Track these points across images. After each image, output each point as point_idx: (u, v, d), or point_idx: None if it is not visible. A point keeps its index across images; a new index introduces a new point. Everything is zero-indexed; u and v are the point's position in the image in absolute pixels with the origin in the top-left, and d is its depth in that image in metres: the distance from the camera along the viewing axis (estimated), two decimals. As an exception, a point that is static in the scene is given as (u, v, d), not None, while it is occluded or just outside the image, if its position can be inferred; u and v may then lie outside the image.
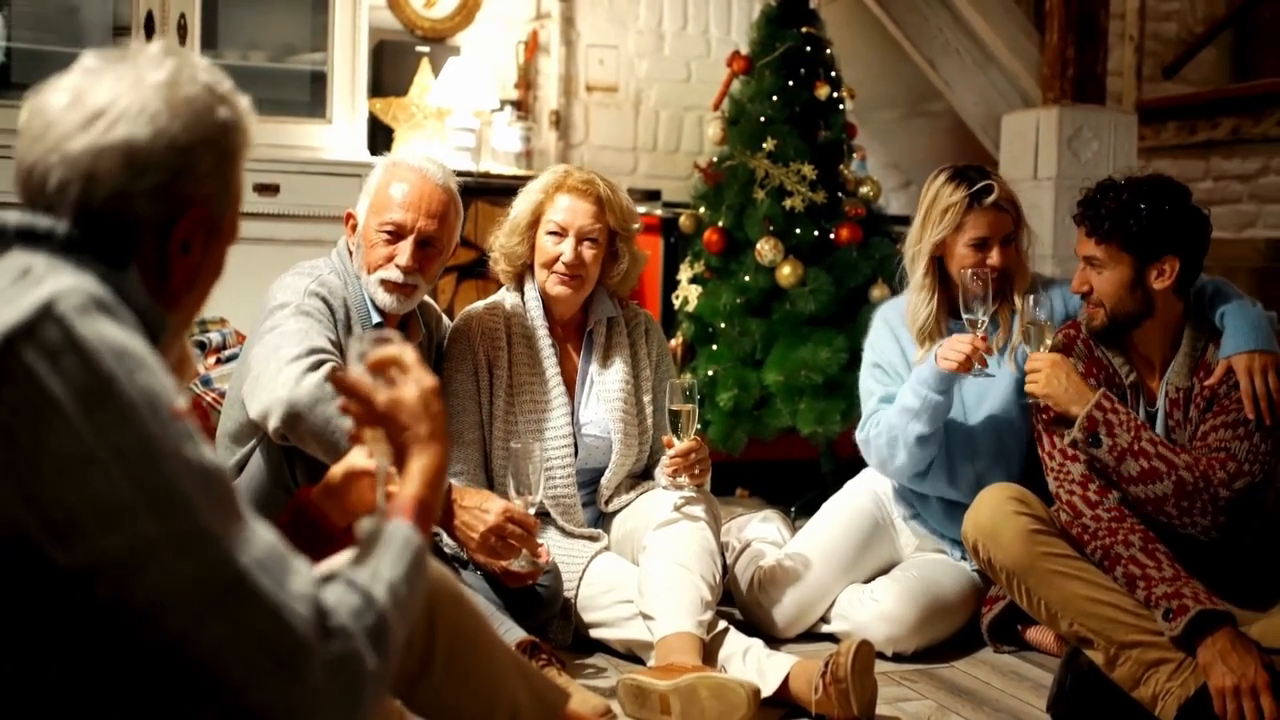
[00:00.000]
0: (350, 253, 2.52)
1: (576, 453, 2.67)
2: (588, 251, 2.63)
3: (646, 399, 2.75)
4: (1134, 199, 2.36)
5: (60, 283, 0.99)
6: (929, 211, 2.74)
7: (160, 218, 1.10)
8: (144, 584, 0.95)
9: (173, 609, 0.95)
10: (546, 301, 2.70)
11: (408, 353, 1.25)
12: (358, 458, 1.63)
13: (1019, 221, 2.76)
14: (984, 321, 2.56)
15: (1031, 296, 2.46)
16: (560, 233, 2.63)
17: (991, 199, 2.69)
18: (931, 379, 2.62)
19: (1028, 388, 2.44)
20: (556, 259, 2.62)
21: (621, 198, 2.70)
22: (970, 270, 2.59)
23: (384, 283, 2.44)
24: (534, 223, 2.66)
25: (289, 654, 0.97)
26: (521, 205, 2.68)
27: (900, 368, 2.81)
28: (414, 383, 1.23)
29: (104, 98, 1.08)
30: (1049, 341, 2.46)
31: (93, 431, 0.94)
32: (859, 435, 2.85)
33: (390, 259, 2.43)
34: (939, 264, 2.76)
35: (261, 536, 1.01)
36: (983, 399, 2.77)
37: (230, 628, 0.96)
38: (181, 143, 1.09)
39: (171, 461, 0.97)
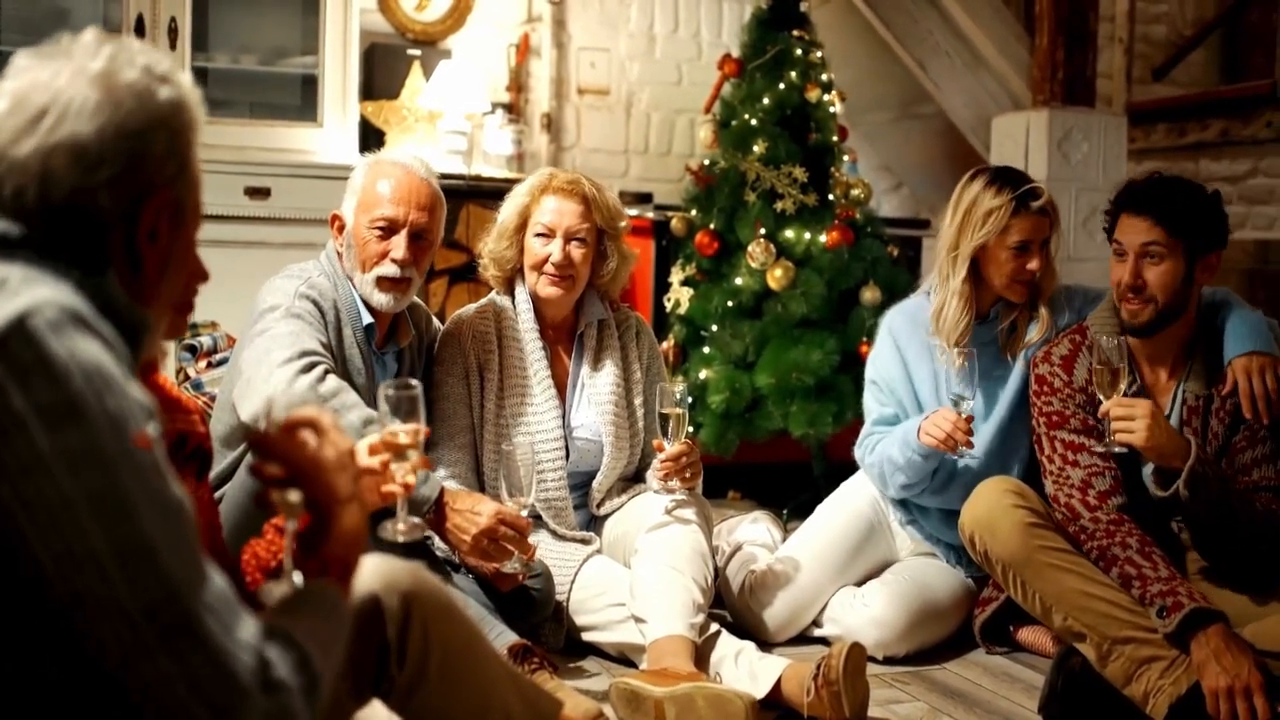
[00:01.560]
0: (339, 255, 2.52)
1: (568, 455, 2.66)
2: (576, 251, 2.63)
3: (638, 401, 2.75)
4: (1194, 191, 2.38)
5: (36, 296, 0.98)
6: (969, 215, 2.68)
7: (124, 208, 1.09)
8: (89, 603, 0.93)
9: (117, 637, 0.94)
10: (537, 304, 2.70)
11: (325, 416, 1.24)
12: (363, 457, 1.63)
13: (1055, 225, 2.72)
14: (970, 403, 2.53)
15: (1104, 337, 2.35)
16: (548, 234, 2.63)
17: (1038, 204, 2.66)
18: (915, 444, 2.62)
19: (1122, 437, 2.28)
20: (545, 260, 2.62)
21: (608, 196, 2.70)
22: (958, 348, 2.57)
23: (380, 280, 2.44)
24: (521, 226, 2.67)
25: (226, 703, 0.96)
26: (508, 210, 2.69)
27: (898, 384, 2.80)
28: (331, 445, 1.22)
29: (43, 97, 1.06)
30: (1123, 386, 2.32)
31: (51, 446, 0.93)
32: (857, 452, 2.87)
33: (385, 255, 2.44)
34: (973, 266, 2.71)
35: (214, 579, 1.00)
36: (991, 407, 2.74)
37: (173, 667, 0.94)
38: (130, 129, 1.08)
39: (127, 482, 0.96)
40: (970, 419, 2.53)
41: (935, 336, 2.73)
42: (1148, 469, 2.46)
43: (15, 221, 1.05)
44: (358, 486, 1.23)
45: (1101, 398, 2.33)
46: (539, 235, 2.64)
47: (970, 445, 2.54)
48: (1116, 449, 2.32)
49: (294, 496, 1.21)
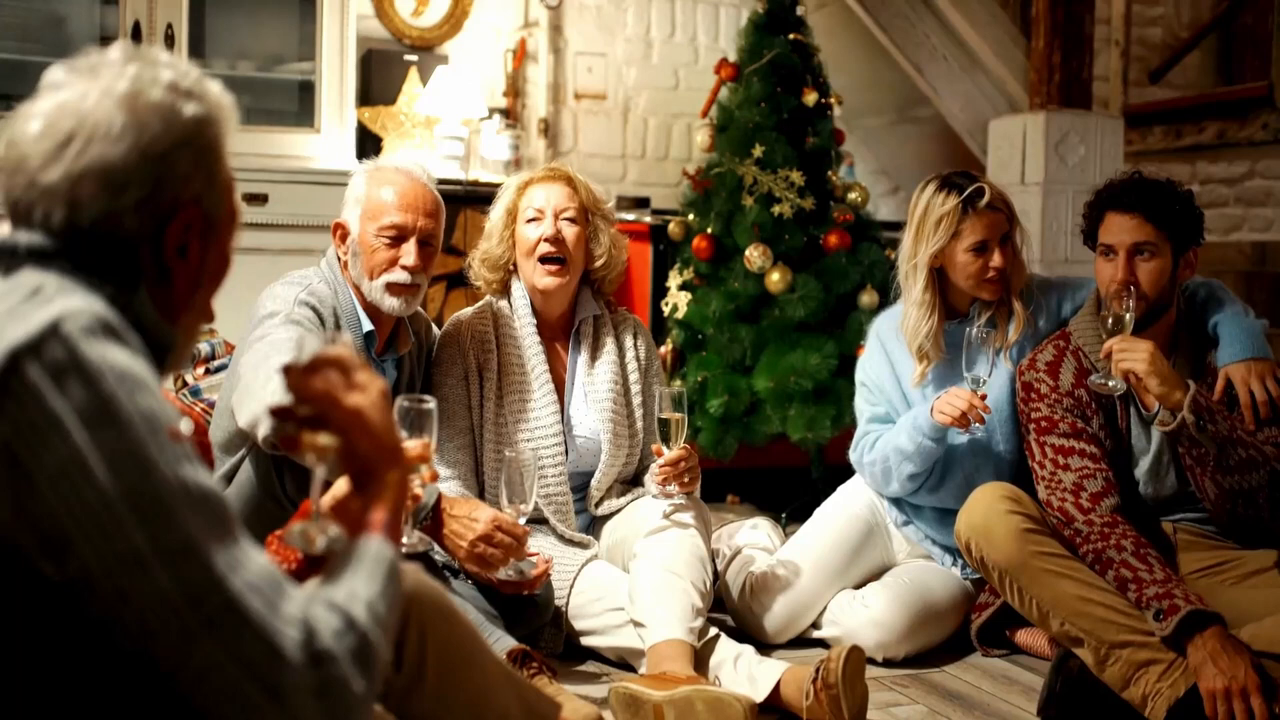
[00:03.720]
0: (342, 262, 2.53)
1: (567, 453, 2.67)
2: (568, 229, 2.65)
3: (636, 401, 2.75)
4: (1175, 188, 2.42)
5: (69, 303, 1.00)
6: (921, 224, 2.70)
7: (151, 228, 1.10)
8: (134, 599, 0.95)
9: (164, 628, 0.95)
10: (535, 300, 2.71)
11: (352, 355, 1.19)
12: None
13: (1013, 220, 2.74)
14: (985, 380, 2.54)
15: (1115, 303, 2.37)
16: (538, 217, 2.66)
17: (985, 201, 2.68)
18: (927, 427, 2.63)
19: (1123, 366, 2.31)
20: (539, 241, 2.63)
21: (588, 181, 2.74)
22: (975, 329, 2.56)
23: (390, 286, 2.46)
24: (510, 222, 2.70)
25: (277, 682, 0.97)
26: (496, 210, 2.73)
27: (887, 384, 2.82)
28: (370, 387, 1.17)
29: (71, 122, 1.07)
30: (1129, 329, 2.36)
31: (89, 447, 0.95)
32: (852, 455, 2.87)
33: (394, 261, 2.46)
34: (938, 274, 2.74)
35: (255, 559, 1.01)
36: None
37: (220, 651, 0.96)
38: (156, 151, 1.09)
39: (165, 478, 0.97)
40: (985, 396, 2.54)
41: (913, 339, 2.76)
42: (1140, 469, 2.47)
43: (52, 238, 1.07)
44: (395, 435, 1.19)
45: (1104, 337, 2.38)
46: (530, 221, 2.67)
47: (983, 422, 2.56)
48: (1116, 382, 2.35)
49: (324, 439, 1.16)
